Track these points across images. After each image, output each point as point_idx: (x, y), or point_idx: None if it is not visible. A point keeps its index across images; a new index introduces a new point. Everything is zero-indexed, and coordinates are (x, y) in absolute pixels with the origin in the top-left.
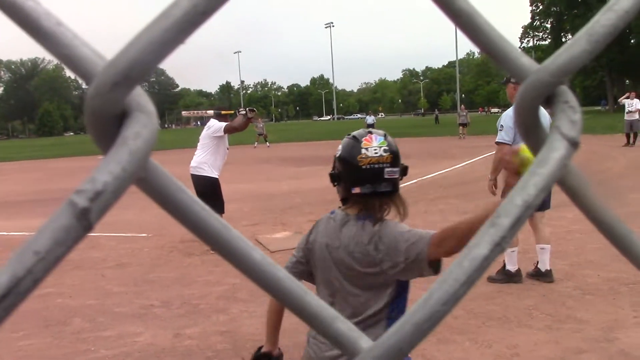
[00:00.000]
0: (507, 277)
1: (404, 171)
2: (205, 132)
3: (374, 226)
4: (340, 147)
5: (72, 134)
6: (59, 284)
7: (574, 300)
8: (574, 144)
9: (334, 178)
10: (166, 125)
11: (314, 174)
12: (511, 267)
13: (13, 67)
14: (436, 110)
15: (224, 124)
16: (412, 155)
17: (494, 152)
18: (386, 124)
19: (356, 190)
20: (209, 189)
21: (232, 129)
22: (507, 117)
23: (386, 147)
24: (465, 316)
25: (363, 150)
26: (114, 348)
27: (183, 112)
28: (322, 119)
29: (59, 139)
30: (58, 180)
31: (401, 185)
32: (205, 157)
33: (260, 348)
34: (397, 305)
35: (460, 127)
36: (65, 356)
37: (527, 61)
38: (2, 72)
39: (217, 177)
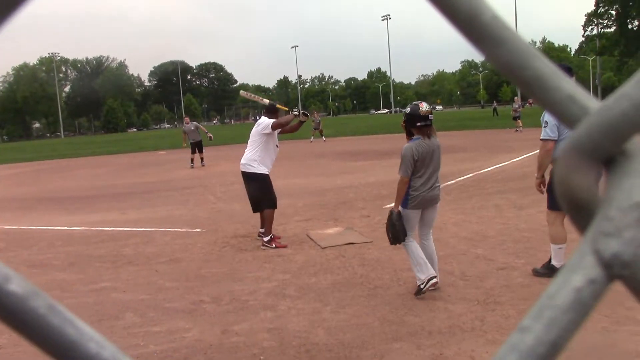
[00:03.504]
0: (552, 272)
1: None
2: (254, 129)
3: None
4: (408, 108)
5: (135, 130)
6: (114, 279)
7: (634, 300)
8: (612, 272)
9: (406, 122)
10: (225, 121)
11: (369, 168)
12: (556, 262)
13: (79, 65)
14: (494, 102)
15: (272, 120)
16: (469, 148)
17: None
18: (444, 116)
19: (419, 124)
20: (259, 185)
21: (279, 125)
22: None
23: (429, 107)
24: (511, 314)
25: (421, 108)
26: (163, 344)
27: (241, 92)
28: (379, 112)
29: (122, 135)
30: (120, 175)
31: (457, 180)
32: (255, 154)
33: (392, 212)
34: None
35: (515, 121)
36: None
37: (579, 93)
38: (69, 71)
39: (267, 173)
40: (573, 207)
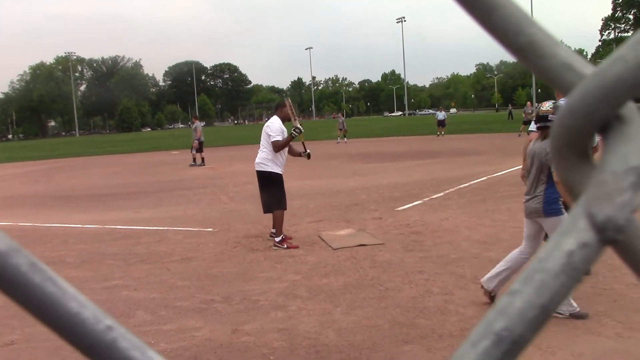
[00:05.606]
0: None
1: None
2: (265, 132)
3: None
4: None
5: (149, 129)
6: (125, 277)
7: None
8: (605, 236)
9: (536, 122)
10: (239, 121)
11: (382, 170)
12: None
13: (95, 65)
14: (509, 105)
15: (279, 136)
16: (483, 151)
17: None
18: (458, 119)
19: (538, 125)
20: (272, 185)
21: (280, 147)
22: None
23: (551, 106)
24: None
25: (542, 107)
26: (173, 342)
27: (286, 102)
28: (393, 114)
29: (137, 134)
30: (133, 174)
31: (471, 183)
32: (269, 154)
33: None
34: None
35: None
36: None
37: (575, 60)
38: (85, 70)
39: (280, 172)
40: (568, 174)
